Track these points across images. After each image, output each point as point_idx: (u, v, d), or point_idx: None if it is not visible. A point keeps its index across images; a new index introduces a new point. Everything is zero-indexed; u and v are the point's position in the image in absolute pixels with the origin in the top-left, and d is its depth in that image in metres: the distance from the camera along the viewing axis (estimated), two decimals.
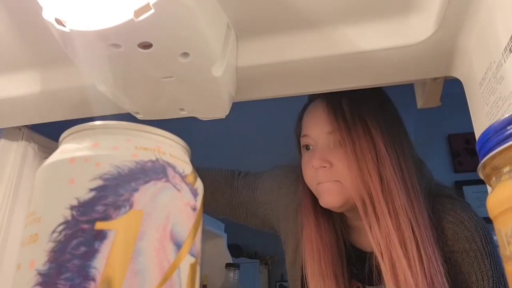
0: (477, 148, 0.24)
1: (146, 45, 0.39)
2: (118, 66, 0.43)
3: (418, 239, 0.58)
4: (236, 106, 0.56)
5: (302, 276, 0.69)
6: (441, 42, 0.45)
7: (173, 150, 0.26)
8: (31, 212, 0.24)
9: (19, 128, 0.70)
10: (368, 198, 0.60)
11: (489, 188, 0.25)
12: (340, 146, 0.63)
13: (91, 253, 0.21)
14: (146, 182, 0.23)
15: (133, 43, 0.38)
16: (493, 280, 0.60)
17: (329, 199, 0.63)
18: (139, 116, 0.56)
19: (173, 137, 0.27)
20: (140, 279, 0.21)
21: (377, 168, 0.61)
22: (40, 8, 0.37)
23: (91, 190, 0.22)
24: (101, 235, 0.21)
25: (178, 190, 0.24)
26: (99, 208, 0.22)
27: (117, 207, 0.22)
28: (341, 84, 0.55)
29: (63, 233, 0.22)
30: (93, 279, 0.21)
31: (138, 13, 0.35)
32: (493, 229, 0.22)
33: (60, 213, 0.22)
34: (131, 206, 0.22)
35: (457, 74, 0.50)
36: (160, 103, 0.53)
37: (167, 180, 0.24)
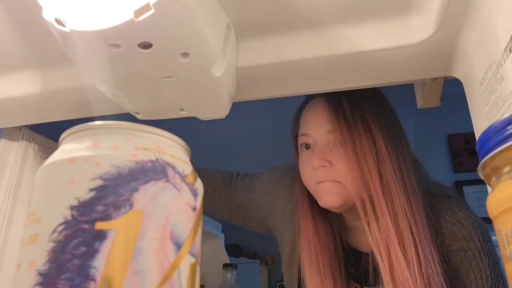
0: (477, 148, 0.24)
1: (146, 45, 0.39)
2: (118, 66, 0.43)
3: (417, 239, 0.58)
4: (236, 106, 0.56)
5: (299, 277, 0.69)
6: (441, 42, 0.45)
7: (173, 150, 0.26)
8: (31, 212, 0.24)
9: (19, 128, 0.70)
10: (368, 198, 0.60)
11: (489, 188, 0.25)
12: (340, 145, 0.63)
13: (91, 253, 0.21)
14: (146, 182, 0.23)
15: (133, 43, 0.38)
16: (492, 278, 0.60)
17: (329, 199, 0.63)
18: (139, 116, 0.56)
19: (173, 137, 0.27)
20: (140, 279, 0.21)
21: (377, 167, 0.60)
22: (40, 8, 0.37)
23: (91, 190, 0.22)
24: (101, 235, 0.21)
25: (178, 190, 0.24)
26: (99, 208, 0.22)
27: (117, 207, 0.22)
28: (341, 84, 0.55)
29: (63, 233, 0.22)
30: (93, 279, 0.21)
31: (138, 13, 0.35)
32: (492, 229, 0.22)
33: (60, 213, 0.22)
34: (131, 206, 0.22)
35: (457, 74, 0.50)
36: (160, 103, 0.53)
37: (167, 180, 0.24)
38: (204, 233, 0.28)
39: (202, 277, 1.36)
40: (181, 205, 0.24)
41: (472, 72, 0.43)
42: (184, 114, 0.55)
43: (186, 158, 0.27)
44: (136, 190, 0.23)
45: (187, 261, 0.24)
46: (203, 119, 0.57)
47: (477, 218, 0.64)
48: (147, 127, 0.25)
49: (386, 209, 0.58)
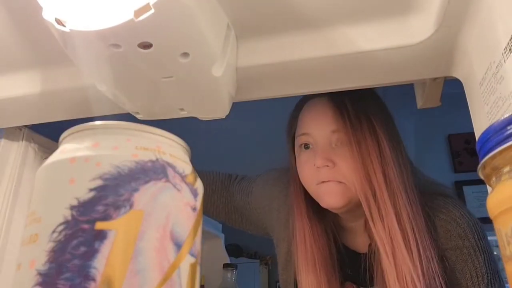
0: (477, 148, 0.24)
1: (146, 45, 0.39)
2: (118, 66, 0.43)
3: (418, 239, 0.58)
4: (236, 106, 0.56)
5: (295, 279, 0.68)
6: (441, 42, 0.45)
7: (173, 150, 0.26)
8: (31, 212, 0.24)
9: (19, 128, 0.70)
10: (373, 198, 0.59)
11: (489, 188, 0.25)
12: (342, 146, 0.63)
13: (91, 253, 0.21)
14: (146, 182, 0.23)
15: (133, 43, 0.38)
16: (488, 276, 0.60)
17: (332, 200, 0.62)
18: (139, 116, 0.56)
19: (173, 137, 0.27)
20: (140, 279, 0.21)
21: (382, 167, 0.60)
22: (40, 8, 0.37)
23: (91, 190, 0.22)
24: (101, 235, 0.21)
25: (178, 190, 0.24)
26: (99, 208, 0.22)
27: (117, 207, 0.22)
28: (341, 84, 0.55)
29: (63, 233, 0.22)
30: (93, 279, 0.21)
31: (138, 13, 0.35)
32: (492, 228, 0.22)
33: (60, 213, 0.22)
34: (131, 206, 0.22)
35: (457, 74, 0.50)
36: (160, 103, 0.53)
37: (167, 180, 0.24)
38: (204, 233, 0.28)
39: (202, 277, 1.36)
40: (181, 205, 0.24)
41: (472, 72, 0.43)
42: (184, 114, 0.55)
43: (186, 158, 0.27)
44: (136, 190, 0.23)
45: (187, 261, 0.24)
46: (203, 119, 0.57)
47: (472, 217, 0.64)
48: (147, 127, 0.25)
49: (391, 209, 0.58)
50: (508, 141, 0.20)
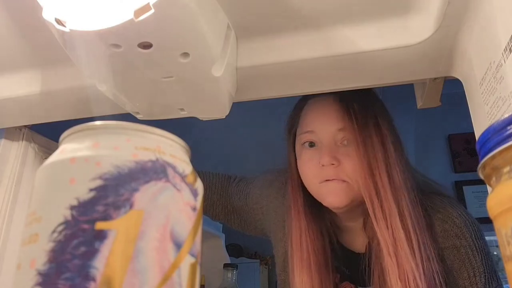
0: (477, 148, 0.24)
1: (146, 45, 0.39)
2: (118, 66, 0.43)
3: (419, 238, 0.58)
4: (237, 107, 0.56)
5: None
6: (441, 42, 0.45)
7: (173, 150, 0.26)
8: (31, 212, 0.24)
9: (19, 128, 0.70)
10: (376, 197, 0.59)
11: (489, 188, 0.25)
12: (348, 144, 0.63)
13: (91, 253, 0.21)
14: (146, 182, 0.23)
15: (133, 43, 0.38)
16: (485, 275, 0.60)
17: (336, 199, 0.62)
18: (139, 116, 0.56)
19: (173, 137, 0.27)
20: (140, 279, 0.21)
21: (386, 167, 0.60)
22: (40, 8, 0.37)
23: (91, 190, 0.22)
24: (101, 235, 0.21)
25: (178, 190, 0.24)
26: (99, 208, 0.22)
27: (117, 207, 0.22)
28: (341, 84, 0.55)
29: (63, 233, 0.22)
30: (93, 279, 0.21)
31: (138, 13, 0.35)
32: (492, 228, 0.22)
33: (60, 213, 0.22)
34: (131, 206, 0.22)
35: (457, 74, 0.50)
36: (160, 103, 0.53)
37: (167, 180, 0.24)
38: (204, 233, 0.28)
39: (202, 277, 1.36)
40: (181, 205, 0.24)
41: (472, 72, 0.43)
42: (184, 114, 0.55)
43: (186, 158, 0.27)
44: (136, 190, 0.23)
45: (187, 261, 0.24)
46: (203, 119, 0.57)
47: (469, 216, 0.64)
48: (147, 127, 0.25)
49: (395, 208, 0.59)
50: (508, 141, 0.20)
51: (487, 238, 0.64)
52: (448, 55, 0.47)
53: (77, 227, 0.22)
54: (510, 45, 0.33)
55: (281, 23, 0.48)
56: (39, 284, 0.21)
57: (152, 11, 0.34)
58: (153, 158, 0.24)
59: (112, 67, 0.43)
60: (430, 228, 0.62)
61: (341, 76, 0.53)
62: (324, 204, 0.64)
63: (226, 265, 1.35)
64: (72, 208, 0.22)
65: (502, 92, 0.35)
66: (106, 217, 0.22)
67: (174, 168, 0.25)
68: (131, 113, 0.56)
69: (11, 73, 0.57)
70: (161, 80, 0.46)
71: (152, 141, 0.25)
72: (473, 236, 0.62)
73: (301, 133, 0.67)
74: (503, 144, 0.21)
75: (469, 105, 0.46)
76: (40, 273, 0.21)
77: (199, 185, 0.27)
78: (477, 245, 0.61)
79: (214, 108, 0.54)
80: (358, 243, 0.70)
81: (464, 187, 2.36)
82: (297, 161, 0.68)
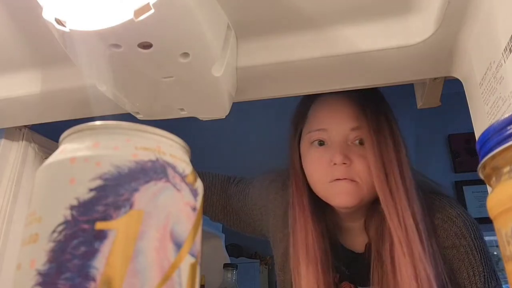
0: (477, 148, 0.24)
1: (146, 45, 0.39)
2: (118, 66, 0.43)
3: (429, 238, 0.59)
4: (237, 106, 0.56)
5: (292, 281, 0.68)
6: (441, 42, 0.45)
7: (173, 150, 0.26)
8: (31, 212, 0.24)
9: (19, 128, 0.70)
10: (391, 197, 0.59)
11: (489, 188, 0.25)
12: (358, 143, 0.63)
13: (91, 253, 0.21)
14: (146, 182, 0.23)
15: (133, 43, 0.38)
16: (484, 275, 0.61)
17: (346, 199, 0.61)
18: (139, 116, 0.56)
19: (173, 137, 0.27)
20: (140, 279, 0.21)
21: (399, 166, 0.61)
22: (40, 8, 0.37)
23: (91, 190, 0.22)
24: (101, 235, 0.21)
25: (178, 190, 0.24)
26: (99, 208, 0.22)
27: (117, 207, 0.22)
28: (341, 84, 0.55)
29: (63, 233, 0.22)
30: (93, 279, 0.21)
31: (138, 13, 0.35)
32: (492, 228, 0.22)
33: (60, 213, 0.22)
34: (131, 206, 0.22)
35: (457, 74, 0.50)
36: (160, 103, 0.53)
37: (167, 180, 0.24)
38: (204, 233, 0.28)
39: (202, 277, 1.36)
40: (181, 205, 0.24)
41: (472, 72, 0.43)
42: (184, 114, 0.55)
43: (186, 158, 0.27)
44: (136, 190, 0.23)
45: (187, 261, 0.24)
46: (203, 119, 0.57)
47: (468, 216, 0.65)
48: (147, 127, 0.25)
49: (408, 209, 0.59)
50: (508, 141, 0.20)
51: (487, 238, 0.65)
52: (448, 55, 0.47)
53: (77, 227, 0.22)
54: (510, 45, 0.33)
55: (281, 23, 0.48)
56: (39, 284, 0.21)
57: (152, 11, 0.34)
58: (153, 158, 0.24)
59: (112, 67, 0.43)
60: (433, 227, 0.62)
61: (341, 76, 0.53)
62: (332, 204, 0.64)
63: (226, 265, 1.35)
64: (72, 208, 0.22)
65: (502, 92, 0.35)
66: (106, 217, 0.22)
67: (174, 168, 0.25)
68: (131, 113, 0.56)
69: (11, 73, 0.57)
70: (161, 80, 0.46)
71: (152, 141, 0.25)
72: (472, 236, 0.62)
73: (310, 131, 0.66)
74: (503, 144, 0.21)
75: (469, 105, 0.46)
76: (40, 273, 0.21)
77: (199, 185, 0.27)
78: (476, 244, 0.62)
79: (214, 108, 0.54)
80: (357, 243, 0.70)
81: (464, 187, 2.36)
82: (303, 159, 0.68)
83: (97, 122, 0.25)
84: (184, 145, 0.27)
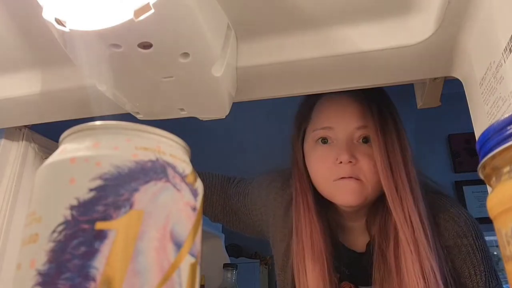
0: (477, 148, 0.24)
1: (146, 45, 0.39)
2: (118, 66, 0.43)
3: (433, 236, 0.59)
4: (237, 106, 0.56)
5: (293, 280, 0.68)
6: (441, 42, 0.45)
7: (173, 150, 0.26)
8: (31, 212, 0.24)
9: (19, 128, 0.70)
10: (397, 195, 0.60)
11: (489, 188, 0.25)
12: (366, 142, 0.63)
13: (91, 253, 0.21)
14: (146, 182, 0.23)
15: (133, 43, 0.38)
16: (485, 274, 0.61)
17: (351, 197, 0.61)
18: (139, 116, 0.56)
19: (173, 137, 0.27)
20: (140, 279, 0.21)
21: (404, 165, 0.61)
22: (40, 8, 0.37)
23: (91, 190, 0.22)
24: (101, 235, 0.21)
25: (178, 190, 0.24)
26: (99, 208, 0.22)
27: (117, 207, 0.22)
28: (341, 84, 0.55)
29: (63, 233, 0.22)
30: (93, 279, 0.21)
31: (138, 13, 0.35)
32: (492, 228, 0.22)
33: (60, 213, 0.22)
34: (131, 206, 0.22)
35: (457, 74, 0.50)
36: (160, 103, 0.53)
37: (167, 180, 0.24)
38: (204, 233, 0.28)
39: (202, 277, 1.36)
40: (181, 205, 0.24)
41: (472, 72, 0.43)
42: (184, 114, 0.55)
43: (186, 158, 0.27)
44: (136, 190, 0.23)
45: (187, 261, 0.24)
46: (203, 119, 0.57)
47: (469, 215, 0.65)
48: (147, 127, 0.25)
49: (414, 207, 0.59)
50: (508, 141, 0.20)
51: (487, 238, 0.65)
52: (448, 55, 0.47)
53: (77, 227, 0.22)
54: (510, 45, 0.33)
55: (281, 23, 0.48)
56: (39, 284, 0.21)
57: (152, 11, 0.34)
58: (153, 158, 0.24)
59: (112, 67, 0.43)
60: (436, 227, 0.63)
61: (341, 76, 0.53)
62: (337, 202, 0.64)
63: (225, 265, 1.35)
64: (72, 208, 0.22)
65: (502, 92, 0.35)
66: (106, 217, 0.22)
67: (174, 168, 0.25)
68: (131, 113, 0.56)
69: (11, 73, 0.57)
70: (161, 80, 0.46)
71: (152, 141, 0.25)
72: (474, 235, 0.62)
73: (315, 129, 0.66)
74: (503, 144, 0.21)
75: (469, 105, 0.46)
76: (40, 273, 0.21)
77: (199, 185, 0.27)
78: (477, 244, 0.62)
79: (214, 108, 0.54)
80: (359, 242, 0.70)
81: (464, 187, 2.36)
82: (307, 158, 0.68)
83: (97, 122, 0.25)
84: (184, 145, 0.27)
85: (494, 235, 0.23)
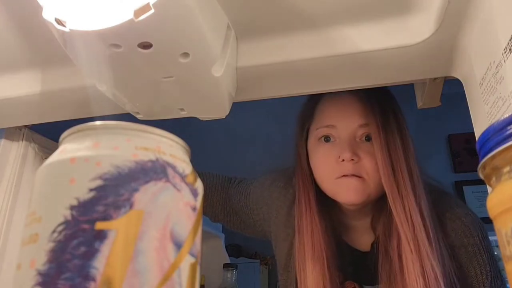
0: (477, 148, 0.24)
1: (146, 45, 0.39)
2: (118, 66, 0.43)
3: (436, 236, 0.59)
4: (236, 106, 0.56)
5: (296, 279, 0.68)
6: (441, 42, 0.45)
7: (173, 150, 0.26)
8: (31, 212, 0.24)
9: (19, 128, 0.70)
10: (398, 194, 0.60)
11: (489, 188, 0.25)
12: (368, 140, 0.63)
13: (91, 253, 0.21)
14: (146, 182, 0.23)
15: (133, 43, 0.38)
16: (491, 274, 0.61)
17: (353, 195, 0.61)
18: (139, 116, 0.56)
19: (173, 137, 0.27)
20: (140, 279, 0.21)
21: (407, 163, 0.61)
22: (40, 8, 0.37)
23: (91, 190, 0.22)
24: (101, 235, 0.21)
25: (178, 190, 0.24)
26: (99, 208, 0.22)
27: (117, 207, 0.22)
28: (341, 84, 0.55)
29: (63, 233, 0.22)
30: (93, 279, 0.21)
31: (138, 13, 0.35)
32: (492, 228, 0.22)
33: (60, 213, 0.22)
34: (131, 206, 0.22)
35: (457, 74, 0.50)
36: (160, 103, 0.53)
37: (167, 180, 0.24)
38: (204, 233, 0.28)
39: (202, 277, 1.36)
40: (181, 205, 0.24)
41: (472, 72, 0.43)
42: (184, 114, 0.55)
43: (186, 158, 0.27)
44: (136, 190, 0.23)
45: (187, 261, 0.24)
46: (203, 119, 0.57)
47: (475, 215, 0.65)
48: (147, 127, 0.25)
49: (415, 204, 0.59)
50: (508, 141, 0.20)
51: None
52: (448, 55, 0.47)
53: (77, 227, 0.22)
54: (510, 45, 0.33)
55: (281, 23, 0.48)
56: (39, 284, 0.21)
57: (152, 11, 0.34)
58: (153, 158, 0.24)
59: (112, 67, 0.43)
60: (441, 226, 0.63)
61: (341, 76, 0.53)
62: (339, 200, 0.64)
63: (225, 265, 1.35)
64: (72, 208, 0.22)
65: (502, 92, 0.35)
66: (106, 217, 0.22)
67: (174, 168, 0.25)
68: (131, 113, 0.56)
69: (11, 73, 0.57)
70: (161, 80, 0.46)
71: (152, 141, 0.25)
72: (480, 235, 0.62)
73: (318, 127, 0.66)
74: (503, 144, 0.21)
75: (469, 105, 0.46)
76: (40, 273, 0.21)
77: (199, 185, 0.27)
78: (484, 244, 0.62)
79: (214, 108, 0.54)
80: (363, 241, 0.70)
81: (464, 187, 2.36)
82: (310, 156, 0.68)
83: (97, 122, 0.25)
84: (184, 145, 0.27)
85: (494, 235, 0.23)
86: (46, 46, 0.51)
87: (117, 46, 0.39)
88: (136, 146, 0.24)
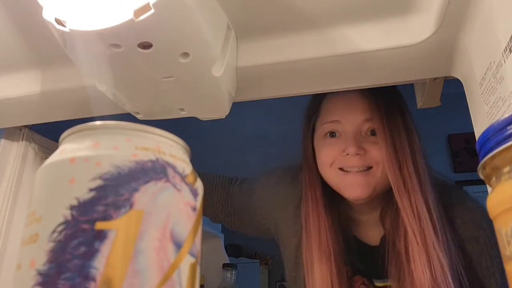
0: (477, 148, 0.24)
1: (146, 45, 0.39)
2: (118, 66, 0.43)
3: (444, 229, 0.59)
4: (236, 106, 0.56)
5: (305, 276, 0.68)
6: (441, 42, 0.45)
7: (173, 150, 0.26)
8: (31, 212, 0.24)
9: (19, 128, 0.70)
10: (404, 187, 0.60)
11: (489, 188, 0.25)
12: (371, 134, 0.63)
13: (91, 253, 0.21)
14: (146, 182, 0.23)
15: (133, 43, 0.38)
16: (502, 266, 0.61)
17: (358, 190, 0.62)
18: (139, 116, 0.56)
19: (173, 137, 0.27)
20: (140, 279, 0.21)
21: (412, 156, 0.61)
22: (40, 8, 0.37)
23: (91, 190, 0.22)
24: (101, 235, 0.21)
25: (178, 190, 0.24)
26: (99, 208, 0.22)
27: (117, 207, 0.22)
28: (341, 84, 0.55)
29: (63, 233, 0.22)
30: (93, 279, 0.21)
31: (138, 13, 0.35)
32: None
33: (60, 213, 0.22)
34: (131, 206, 0.22)
35: (457, 74, 0.50)
36: (160, 103, 0.53)
37: (167, 180, 0.24)
38: (204, 233, 0.28)
39: (202, 277, 1.36)
40: (181, 205, 0.24)
41: (472, 72, 0.43)
42: (184, 114, 0.55)
43: (186, 158, 0.27)
44: (136, 190, 0.23)
45: (187, 261, 0.24)
46: (203, 119, 0.57)
47: (484, 208, 0.65)
48: (147, 127, 0.25)
49: (420, 197, 0.59)
50: (508, 141, 0.20)
51: None
52: (448, 55, 0.47)
53: (77, 227, 0.22)
54: (510, 45, 0.33)
55: (281, 23, 0.48)
56: (39, 284, 0.21)
57: (152, 11, 0.34)
58: (153, 158, 0.24)
59: (112, 67, 0.43)
60: (450, 219, 0.63)
61: (341, 76, 0.53)
62: (345, 195, 0.64)
63: (225, 265, 1.35)
64: (72, 208, 0.22)
65: (502, 92, 0.35)
66: (106, 217, 0.22)
67: (174, 168, 0.25)
68: (131, 113, 0.56)
69: (11, 73, 0.57)
70: (161, 80, 0.46)
71: (152, 141, 0.25)
72: (491, 228, 0.62)
73: (324, 123, 0.67)
74: (503, 144, 0.21)
75: (469, 105, 0.46)
76: (40, 273, 0.21)
77: (199, 185, 0.27)
78: (494, 237, 0.62)
79: (214, 108, 0.54)
80: (372, 235, 0.70)
81: (464, 187, 2.36)
82: (316, 152, 0.68)
83: (97, 122, 0.25)
84: (184, 145, 0.27)
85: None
86: (46, 46, 0.51)
87: (117, 46, 0.39)
88: (136, 146, 0.24)
